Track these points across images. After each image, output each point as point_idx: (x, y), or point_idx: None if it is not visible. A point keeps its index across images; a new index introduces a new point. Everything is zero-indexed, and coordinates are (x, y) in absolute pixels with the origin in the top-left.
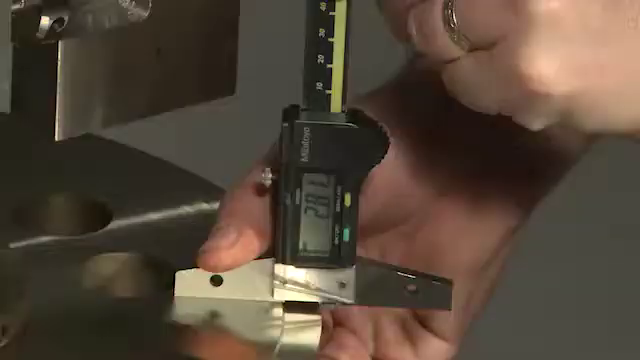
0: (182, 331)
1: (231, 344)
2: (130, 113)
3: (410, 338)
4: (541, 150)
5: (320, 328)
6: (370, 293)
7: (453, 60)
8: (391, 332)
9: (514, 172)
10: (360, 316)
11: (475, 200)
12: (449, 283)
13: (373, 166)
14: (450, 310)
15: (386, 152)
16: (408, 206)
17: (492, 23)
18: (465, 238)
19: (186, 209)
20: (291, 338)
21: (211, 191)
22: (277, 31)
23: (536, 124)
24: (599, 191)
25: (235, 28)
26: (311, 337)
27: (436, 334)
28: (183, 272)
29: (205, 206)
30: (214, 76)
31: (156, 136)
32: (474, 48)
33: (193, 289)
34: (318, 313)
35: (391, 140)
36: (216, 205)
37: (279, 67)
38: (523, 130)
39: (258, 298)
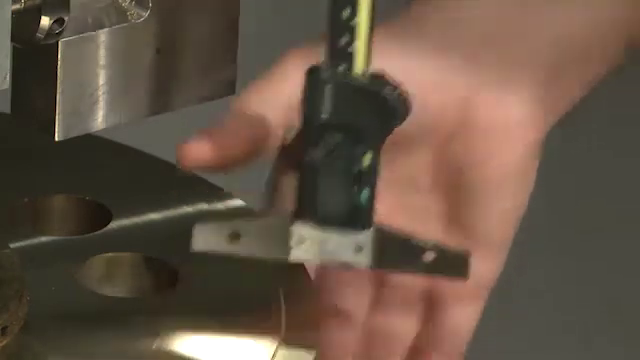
0: (181, 332)
1: (228, 343)
2: (130, 113)
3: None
4: None
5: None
6: (386, 258)
7: None
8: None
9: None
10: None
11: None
12: (467, 253)
13: (394, 128)
14: (467, 279)
15: (407, 115)
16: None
17: None
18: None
19: (186, 209)
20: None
21: (211, 191)
22: (277, 31)
23: None
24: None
25: (235, 27)
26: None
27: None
28: (201, 226)
29: (205, 206)
30: (214, 76)
31: (156, 136)
32: None
33: (209, 243)
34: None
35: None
36: (216, 205)
37: None
38: None
39: (275, 255)
